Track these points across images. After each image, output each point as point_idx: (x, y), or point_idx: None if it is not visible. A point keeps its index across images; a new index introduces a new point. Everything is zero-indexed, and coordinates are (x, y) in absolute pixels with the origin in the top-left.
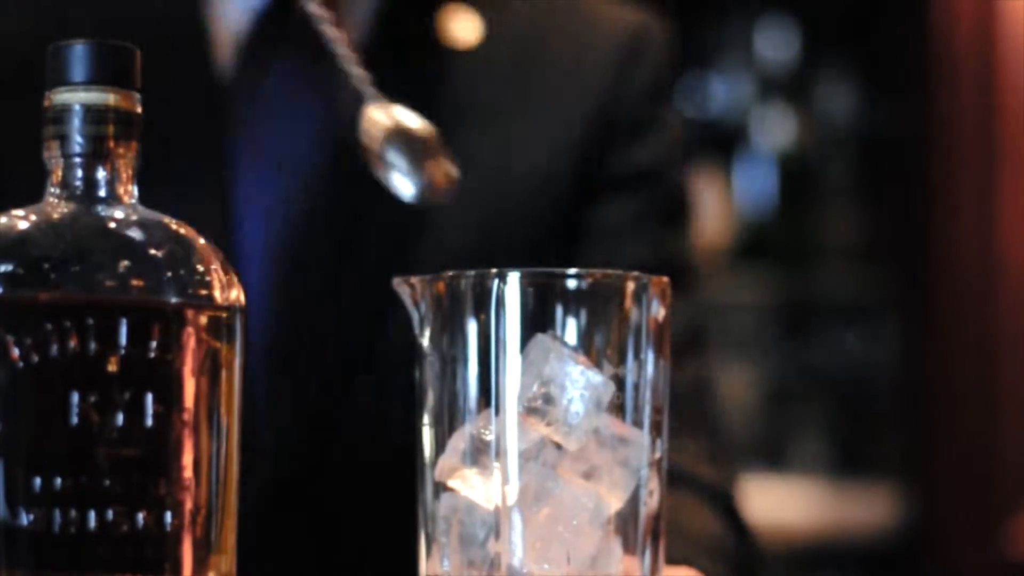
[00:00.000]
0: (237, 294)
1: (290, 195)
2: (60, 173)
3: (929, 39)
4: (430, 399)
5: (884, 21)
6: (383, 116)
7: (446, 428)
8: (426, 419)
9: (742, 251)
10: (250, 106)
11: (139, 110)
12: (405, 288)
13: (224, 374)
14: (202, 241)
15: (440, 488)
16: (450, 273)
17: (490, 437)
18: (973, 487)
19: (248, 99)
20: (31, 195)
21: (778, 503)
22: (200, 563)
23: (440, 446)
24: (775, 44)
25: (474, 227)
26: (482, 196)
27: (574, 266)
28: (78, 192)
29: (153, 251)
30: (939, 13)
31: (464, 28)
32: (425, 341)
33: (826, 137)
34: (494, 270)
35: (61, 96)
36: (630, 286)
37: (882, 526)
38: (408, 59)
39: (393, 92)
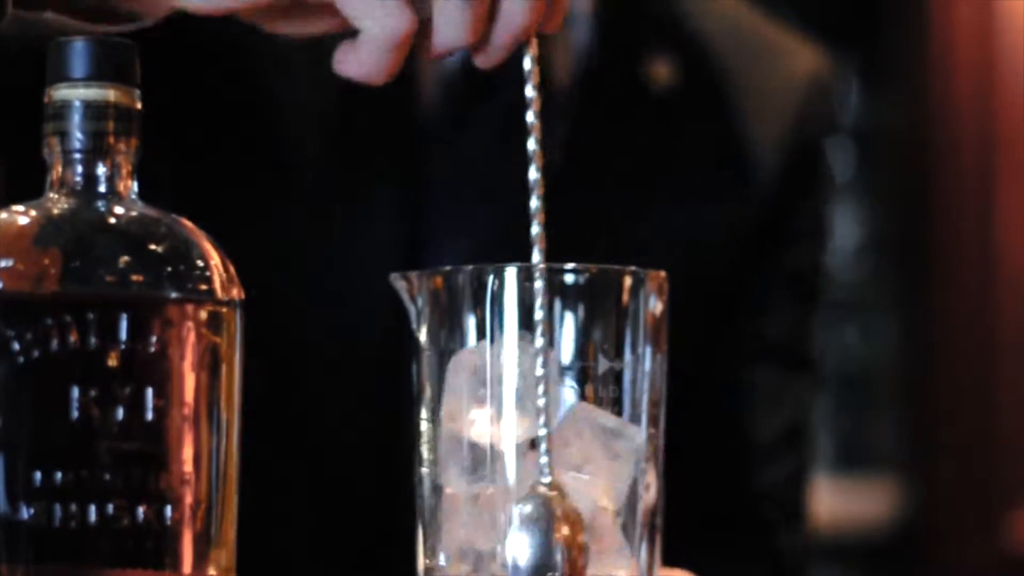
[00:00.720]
0: (237, 290)
1: (480, 251)
2: (60, 169)
3: (928, 38)
4: (427, 394)
5: (883, 20)
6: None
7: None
8: (423, 414)
9: None
10: (448, 152)
11: (139, 106)
12: (402, 283)
13: (224, 369)
14: (202, 236)
15: (437, 484)
16: (447, 268)
17: (487, 432)
18: (973, 481)
19: (447, 144)
20: None
21: None
22: (200, 557)
23: (436, 441)
24: None
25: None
26: (679, 237)
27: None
28: (78, 188)
29: (153, 246)
30: (938, 12)
31: (664, 69)
32: (422, 336)
33: None
34: (491, 265)
35: (61, 92)
36: (627, 280)
37: (882, 520)
38: (611, 99)
39: (595, 131)
